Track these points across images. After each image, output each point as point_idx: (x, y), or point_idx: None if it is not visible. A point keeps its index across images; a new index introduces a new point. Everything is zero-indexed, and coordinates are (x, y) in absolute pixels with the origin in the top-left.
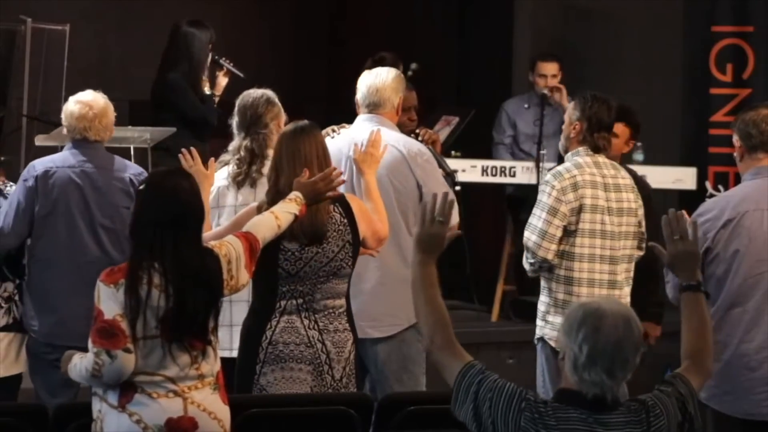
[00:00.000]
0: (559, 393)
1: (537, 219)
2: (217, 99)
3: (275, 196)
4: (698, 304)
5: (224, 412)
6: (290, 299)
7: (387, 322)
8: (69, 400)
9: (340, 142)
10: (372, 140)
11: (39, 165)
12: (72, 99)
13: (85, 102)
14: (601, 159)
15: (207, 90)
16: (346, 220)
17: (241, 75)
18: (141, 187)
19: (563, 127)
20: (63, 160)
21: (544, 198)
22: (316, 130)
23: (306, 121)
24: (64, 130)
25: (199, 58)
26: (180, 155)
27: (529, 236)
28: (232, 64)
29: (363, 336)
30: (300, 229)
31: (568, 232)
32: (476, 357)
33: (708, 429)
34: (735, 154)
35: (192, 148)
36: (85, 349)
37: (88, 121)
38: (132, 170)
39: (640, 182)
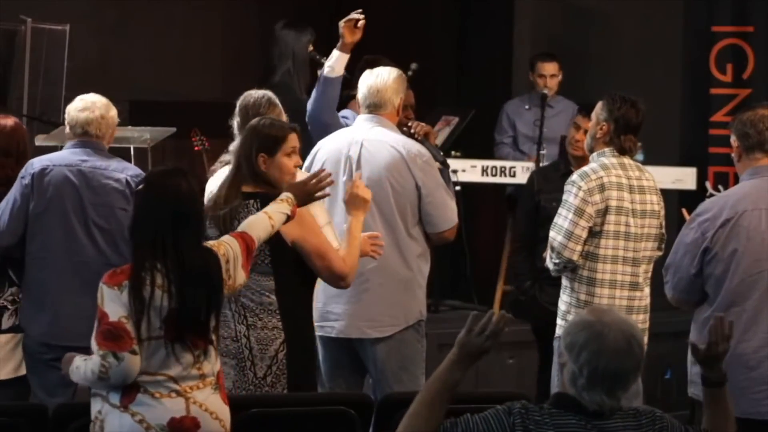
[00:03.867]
0: (557, 398)
1: (563, 219)
2: None
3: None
4: (724, 399)
5: (225, 412)
6: None
7: (386, 322)
8: (67, 399)
9: (339, 142)
10: (354, 184)
11: (37, 163)
12: (77, 98)
13: (89, 99)
14: (627, 160)
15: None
16: None
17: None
18: (139, 187)
19: (589, 125)
20: (61, 158)
21: (570, 198)
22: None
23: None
24: (67, 128)
25: (302, 57)
26: None
27: (555, 236)
28: None
29: (362, 336)
30: (212, 219)
31: (593, 234)
32: None
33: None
34: (733, 155)
35: None
36: (81, 349)
37: (90, 113)
38: (130, 171)
39: None
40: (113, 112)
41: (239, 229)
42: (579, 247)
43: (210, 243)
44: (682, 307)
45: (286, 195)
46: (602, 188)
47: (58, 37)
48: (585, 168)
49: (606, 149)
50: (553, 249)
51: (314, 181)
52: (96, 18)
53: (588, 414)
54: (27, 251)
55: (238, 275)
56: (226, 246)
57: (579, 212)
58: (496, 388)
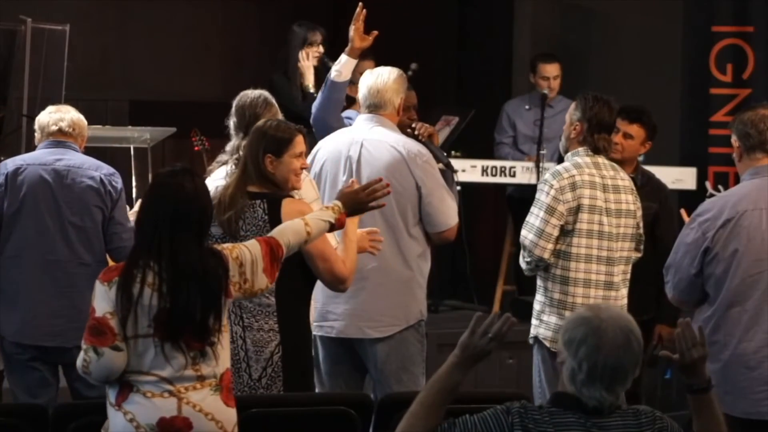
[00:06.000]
0: (556, 397)
1: (534, 218)
2: None
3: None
4: (711, 405)
5: (225, 413)
6: None
7: (386, 322)
8: (50, 399)
9: (340, 142)
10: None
11: (11, 163)
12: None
13: (60, 106)
14: (601, 160)
15: (311, 88)
16: (267, 217)
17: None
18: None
19: (564, 127)
20: (35, 158)
21: (542, 197)
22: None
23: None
24: (37, 133)
25: (296, 56)
26: None
27: (526, 234)
28: None
29: (362, 336)
30: (216, 219)
31: (566, 232)
32: None
33: None
34: (733, 155)
35: None
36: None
37: (63, 114)
38: (104, 170)
39: (657, 183)
40: (85, 120)
41: (270, 233)
42: (550, 246)
43: (223, 246)
44: (682, 307)
45: (334, 202)
46: (574, 186)
47: (58, 37)
48: (558, 167)
49: (580, 149)
50: (524, 247)
51: (368, 190)
52: (96, 18)
53: (587, 412)
54: (1, 251)
55: (257, 280)
56: (241, 249)
57: (550, 210)
58: (496, 388)
